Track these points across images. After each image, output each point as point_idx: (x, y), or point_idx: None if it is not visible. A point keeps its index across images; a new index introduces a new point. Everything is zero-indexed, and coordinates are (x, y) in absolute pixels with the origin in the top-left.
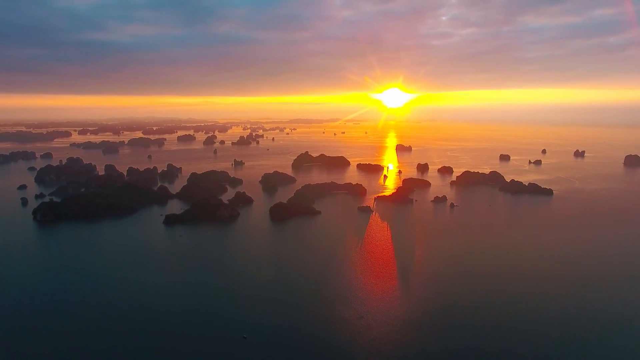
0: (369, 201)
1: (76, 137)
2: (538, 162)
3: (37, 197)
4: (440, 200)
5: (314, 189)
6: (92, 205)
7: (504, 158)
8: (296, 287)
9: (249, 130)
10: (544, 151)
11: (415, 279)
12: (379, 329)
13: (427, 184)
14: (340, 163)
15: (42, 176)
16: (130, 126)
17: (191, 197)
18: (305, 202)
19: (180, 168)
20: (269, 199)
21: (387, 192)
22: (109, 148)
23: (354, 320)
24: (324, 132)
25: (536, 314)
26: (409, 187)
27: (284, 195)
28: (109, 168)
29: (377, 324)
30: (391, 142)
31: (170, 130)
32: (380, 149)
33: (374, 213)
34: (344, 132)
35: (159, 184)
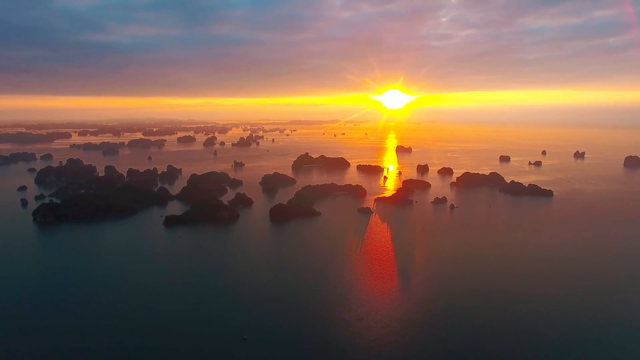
0: (369, 202)
1: (76, 139)
2: (538, 163)
3: (37, 198)
4: (440, 201)
5: (314, 190)
6: (92, 206)
7: (504, 159)
8: (296, 288)
9: (249, 132)
10: (544, 152)
11: (415, 280)
12: (379, 330)
13: (427, 185)
14: (340, 164)
15: (42, 177)
16: (130, 127)
17: (191, 198)
18: (305, 203)
19: (180, 169)
20: (269, 200)
21: (387, 193)
22: (109, 149)
23: (354, 322)
24: (324, 133)
25: (536, 314)
26: (409, 188)
27: (284, 196)
28: (109, 169)
29: (377, 325)
30: (391, 143)
31: (170, 132)
32: (380, 150)
33: (374, 214)
34: (344, 134)
35: (159, 185)
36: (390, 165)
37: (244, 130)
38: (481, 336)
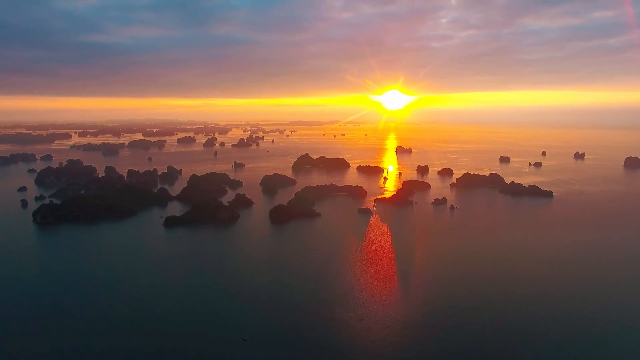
0: (369, 203)
1: (76, 139)
2: (538, 164)
3: (37, 199)
4: (440, 202)
5: (314, 191)
6: (92, 207)
7: (504, 160)
8: (296, 289)
9: (249, 132)
10: (544, 153)
11: (415, 280)
12: (379, 331)
13: (427, 186)
14: (340, 165)
15: (42, 178)
16: (131, 128)
17: (191, 199)
18: (305, 204)
19: (180, 170)
20: (269, 201)
21: (387, 194)
22: (109, 150)
23: (354, 323)
24: (324, 134)
25: (536, 315)
26: (409, 189)
27: (284, 197)
28: (109, 170)
29: (377, 326)
30: (391, 144)
31: (170, 132)
32: (380, 151)
33: (374, 215)
34: (344, 134)
35: (159, 186)
36: (390, 166)
37: (244, 131)
38: (481, 337)
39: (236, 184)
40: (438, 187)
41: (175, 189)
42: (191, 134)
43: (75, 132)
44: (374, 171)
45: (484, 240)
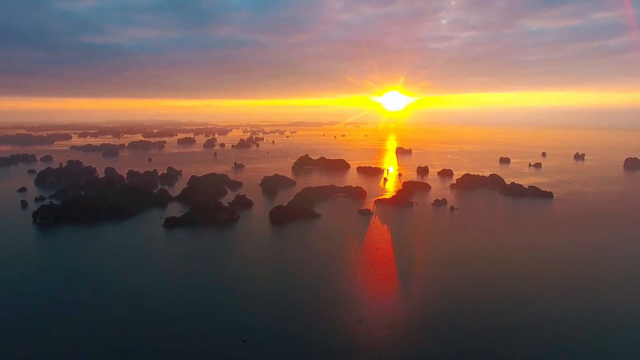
0: (369, 204)
1: (76, 140)
2: (538, 165)
3: (37, 199)
4: (440, 203)
5: (314, 191)
6: (92, 208)
7: (504, 161)
8: (296, 290)
9: (249, 133)
10: (543, 154)
11: (416, 281)
12: (379, 331)
13: (427, 187)
14: (340, 166)
15: (42, 179)
16: (131, 129)
17: (191, 200)
18: (305, 205)
19: (180, 171)
20: (269, 201)
21: (387, 195)
22: (109, 151)
23: (354, 323)
24: (324, 135)
25: (536, 316)
26: (409, 190)
27: (284, 198)
28: (109, 171)
29: (377, 326)
30: (391, 144)
31: (171, 133)
32: (380, 151)
33: (374, 216)
34: (344, 135)
35: (159, 187)
36: (390, 166)
37: (244, 131)
38: (482, 338)
39: (236, 184)
40: (438, 188)
41: (175, 190)
42: (191, 135)
43: (75, 133)
44: (374, 172)
45: (484, 241)
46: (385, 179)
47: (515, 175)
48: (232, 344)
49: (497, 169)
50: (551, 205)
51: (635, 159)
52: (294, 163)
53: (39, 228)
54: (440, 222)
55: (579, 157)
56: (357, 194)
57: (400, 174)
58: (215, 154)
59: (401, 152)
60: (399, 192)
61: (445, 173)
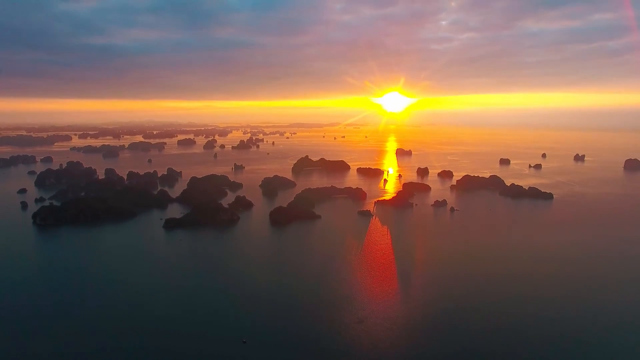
0: (369, 205)
1: (76, 141)
2: (538, 166)
3: (37, 201)
4: (440, 204)
5: (314, 193)
6: (92, 209)
7: (504, 162)
8: (296, 291)
9: (249, 135)
10: (544, 155)
11: (416, 282)
12: (379, 332)
13: (427, 188)
14: (341, 167)
15: (42, 180)
16: (131, 130)
17: (191, 201)
18: (305, 206)
19: (181, 172)
20: (269, 203)
21: (387, 196)
22: (109, 152)
23: (354, 324)
24: (324, 136)
25: (537, 316)
26: (409, 191)
27: (284, 199)
28: (109, 172)
29: (377, 327)
30: (391, 146)
31: (171, 134)
32: (380, 153)
33: (374, 217)
34: (344, 136)
35: (159, 188)
36: (390, 168)
37: (244, 133)
38: (482, 338)
39: (236, 186)
40: (438, 189)
41: (175, 191)
42: (191, 136)
43: (75, 134)
44: (374, 173)
45: (484, 242)
46: (385, 180)
47: (515, 176)
48: (231, 345)
49: (497, 170)
50: (551, 206)
51: (635, 160)
52: (294, 164)
53: (39, 229)
54: (440, 223)
55: (579, 158)
56: (357, 195)
57: (400, 175)
58: (215, 155)
59: (401, 153)
60: (399, 193)
61: (446, 174)
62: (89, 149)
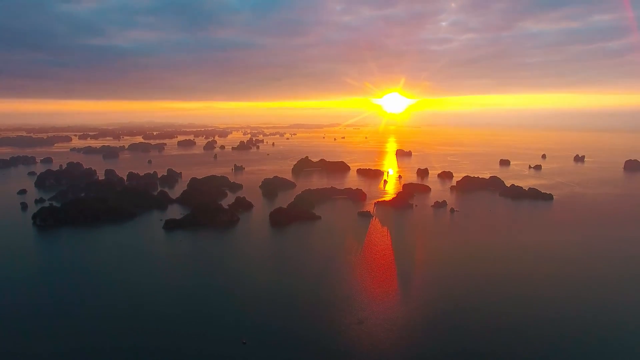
0: (369, 206)
1: (76, 142)
2: (538, 167)
3: (37, 201)
4: (440, 205)
5: (314, 194)
6: (92, 210)
7: (504, 163)
8: (296, 292)
9: (249, 135)
10: (543, 156)
11: (416, 283)
12: (379, 333)
13: (427, 189)
14: (340, 168)
15: (42, 181)
16: (131, 131)
17: (191, 202)
18: (305, 207)
19: (180, 173)
20: (269, 203)
21: (387, 197)
22: (109, 153)
23: (354, 325)
24: (324, 137)
25: (537, 317)
26: (409, 192)
27: (284, 200)
28: (109, 173)
29: (377, 328)
30: (391, 147)
31: (171, 135)
32: (380, 153)
33: (374, 218)
34: (344, 137)
35: (159, 189)
36: (390, 169)
37: (244, 134)
38: (482, 338)
39: (236, 186)
40: (438, 190)
41: (175, 192)
42: (191, 137)
43: (75, 135)
44: (374, 174)
45: (484, 243)
46: (385, 181)
47: (515, 177)
48: (231, 345)
49: (497, 171)
50: (551, 207)
51: (635, 160)
52: (294, 165)
53: (39, 230)
54: (440, 224)
55: (579, 159)
56: (357, 196)
57: (400, 176)
58: (215, 156)
59: (401, 154)
60: (399, 194)
61: (445, 175)
62: (89, 150)
